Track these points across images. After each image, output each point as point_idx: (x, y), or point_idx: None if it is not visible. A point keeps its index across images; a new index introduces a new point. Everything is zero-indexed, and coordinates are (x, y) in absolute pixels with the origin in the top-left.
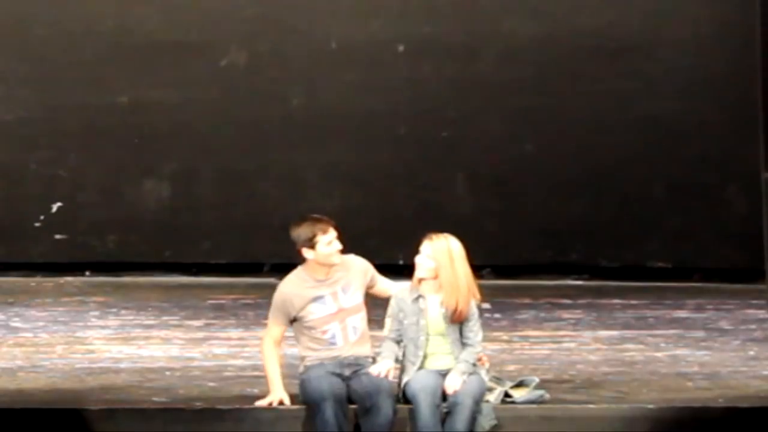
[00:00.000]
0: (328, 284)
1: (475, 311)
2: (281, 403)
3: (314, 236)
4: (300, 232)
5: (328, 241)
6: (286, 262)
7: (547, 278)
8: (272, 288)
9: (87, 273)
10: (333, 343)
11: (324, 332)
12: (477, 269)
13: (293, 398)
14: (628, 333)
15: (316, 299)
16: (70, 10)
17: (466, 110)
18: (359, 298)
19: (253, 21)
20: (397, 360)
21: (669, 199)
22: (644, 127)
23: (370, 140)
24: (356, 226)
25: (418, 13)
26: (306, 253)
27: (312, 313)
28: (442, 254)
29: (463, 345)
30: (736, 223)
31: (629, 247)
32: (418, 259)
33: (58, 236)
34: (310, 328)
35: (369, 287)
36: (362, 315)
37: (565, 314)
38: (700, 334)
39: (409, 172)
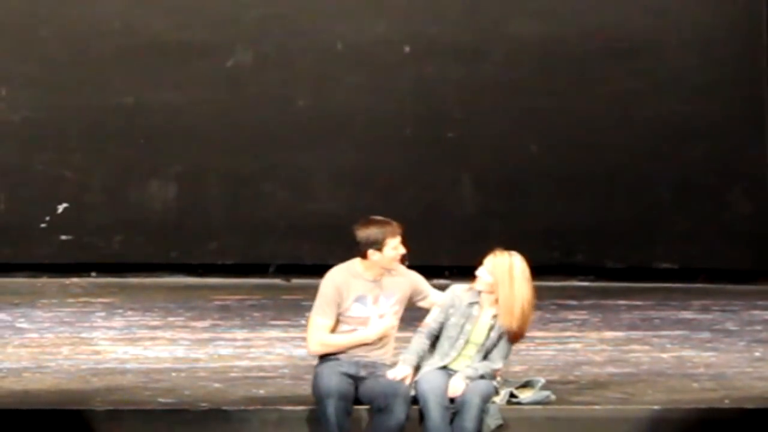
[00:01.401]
0: (375, 286)
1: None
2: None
3: (384, 239)
4: (369, 233)
5: (395, 245)
6: (292, 263)
7: (553, 279)
8: (278, 289)
9: (93, 274)
10: None
11: (354, 330)
12: None
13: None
14: (633, 334)
15: (359, 298)
16: (76, 12)
17: (471, 111)
18: (397, 307)
19: (259, 22)
20: (418, 362)
21: (675, 201)
22: (650, 129)
23: (376, 141)
24: None
25: (424, 15)
26: (372, 254)
27: (350, 311)
28: (501, 271)
29: (485, 357)
30: (741, 224)
31: (635, 249)
32: (478, 272)
33: (63, 237)
34: (342, 322)
35: (419, 300)
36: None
37: (571, 315)
38: (706, 335)
39: (415, 172)
